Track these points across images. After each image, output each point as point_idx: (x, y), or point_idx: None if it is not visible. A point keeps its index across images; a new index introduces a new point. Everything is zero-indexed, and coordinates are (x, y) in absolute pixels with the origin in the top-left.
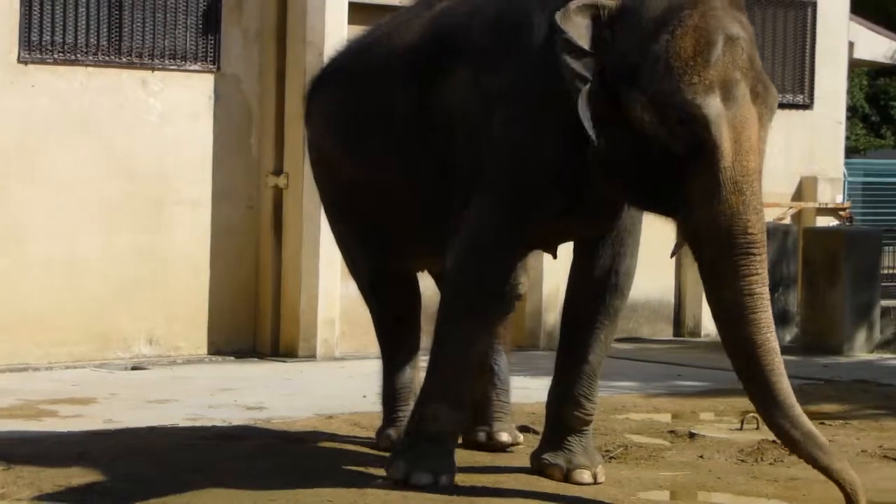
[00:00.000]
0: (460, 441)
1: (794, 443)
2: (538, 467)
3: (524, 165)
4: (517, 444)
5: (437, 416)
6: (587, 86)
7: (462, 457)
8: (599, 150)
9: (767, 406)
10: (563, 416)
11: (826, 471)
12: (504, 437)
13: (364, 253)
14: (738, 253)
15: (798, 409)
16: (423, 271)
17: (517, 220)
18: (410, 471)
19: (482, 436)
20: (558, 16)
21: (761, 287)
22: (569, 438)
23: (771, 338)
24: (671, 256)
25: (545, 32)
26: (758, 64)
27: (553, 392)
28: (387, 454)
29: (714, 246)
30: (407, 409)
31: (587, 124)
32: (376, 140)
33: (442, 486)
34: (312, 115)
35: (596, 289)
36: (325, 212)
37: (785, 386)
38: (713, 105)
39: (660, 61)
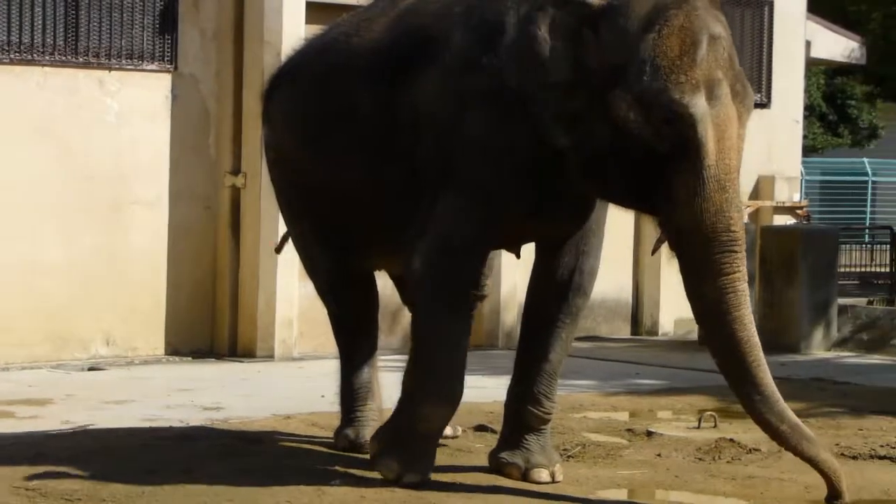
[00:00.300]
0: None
1: (781, 436)
2: (496, 466)
3: (498, 166)
4: (456, 436)
5: (431, 416)
6: (562, 83)
7: None
8: (580, 148)
9: (753, 401)
10: (522, 415)
11: (812, 461)
12: (447, 430)
13: (323, 253)
14: (721, 250)
15: (783, 403)
16: (381, 271)
17: (488, 219)
18: (403, 472)
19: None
20: (538, 13)
21: (742, 284)
22: (527, 437)
23: (754, 333)
24: (652, 254)
25: (521, 31)
26: (737, 63)
27: (512, 390)
28: (345, 454)
29: (697, 243)
30: (365, 409)
31: (550, 121)
32: (339, 139)
33: (428, 485)
34: (271, 114)
35: (559, 288)
36: (283, 212)
37: (770, 380)
38: (700, 104)
39: (646, 60)
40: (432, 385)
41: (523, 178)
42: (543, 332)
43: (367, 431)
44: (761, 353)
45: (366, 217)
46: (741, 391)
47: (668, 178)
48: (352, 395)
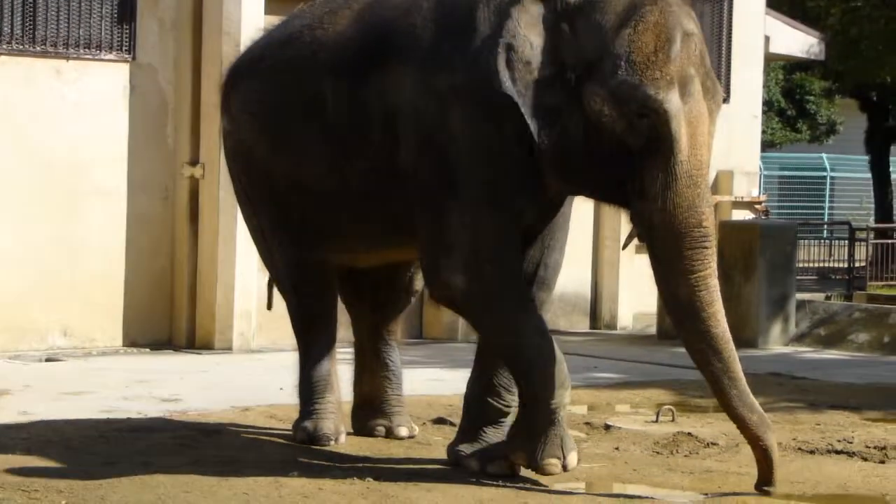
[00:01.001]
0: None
1: (750, 427)
2: (454, 459)
3: (493, 164)
4: (413, 436)
5: (560, 402)
6: (540, 79)
7: (378, 449)
8: (556, 143)
9: (730, 395)
10: (482, 407)
11: (766, 450)
12: (403, 431)
13: (282, 246)
14: (693, 246)
15: (752, 396)
16: (345, 265)
17: (504, 218)
18: (565, 457)
19: (381, 430)
20: (513, 8)
21: (714, 280)
22: (485, 430)
23: (727, 328)
24: (623, 248)
25: (497, 26)
26: (707, 60)
27: (472, 383)
28: (303, 446)
29: (668, 238)
30: (324, 401)
31: (529, 117)
32: (301, 132)
33: (386, 476)
34: (231, 105)
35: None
36: (241, 204)
37: (742, 374)
38: (674, 100)
39: (621, 56)
40: (544, 381)
41: (518, 171)
42: None
43: (326, 424)
44: (733, 347)
45: (327, 211)
46: (718, 385)
47: (640, 173)
48: (310, 387)
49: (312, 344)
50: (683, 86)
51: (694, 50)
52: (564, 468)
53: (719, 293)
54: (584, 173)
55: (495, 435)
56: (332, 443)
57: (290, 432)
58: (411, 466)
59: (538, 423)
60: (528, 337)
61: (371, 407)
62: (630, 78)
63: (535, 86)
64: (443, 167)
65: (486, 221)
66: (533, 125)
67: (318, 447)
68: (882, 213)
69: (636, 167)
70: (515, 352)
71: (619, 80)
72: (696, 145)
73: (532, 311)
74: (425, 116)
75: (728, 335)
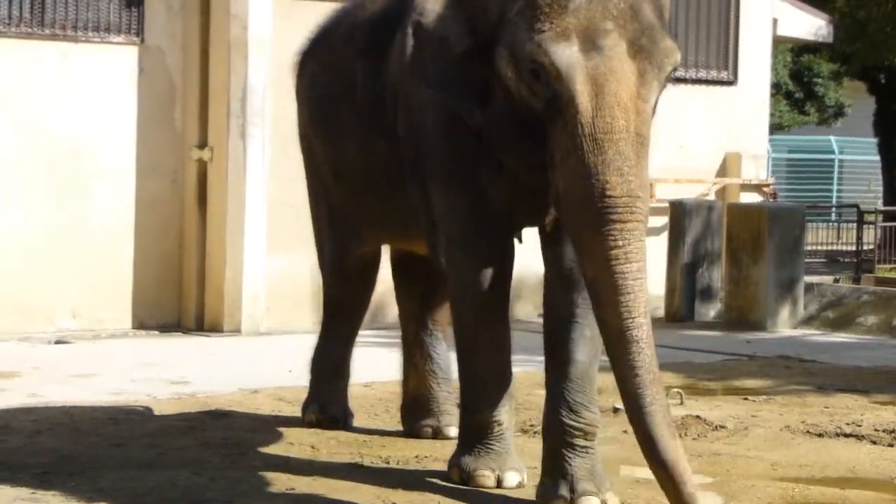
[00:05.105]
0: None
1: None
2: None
3: (452, 149)
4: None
5: (500, 418)
6: (461, 53)
7: (387, 434)
8: (488, 117)
9: (621, 392)
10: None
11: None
12: (452, 431)
13: (330, 234)
14: (599, 221)
15: (651, 407)
16: (385, 247)
17: (474, 206)
18: None
19: (428, 430)
20: None
21: (625, 264)
22: (569, 456)
23: (631, 325)
24: (547, 228)
25: (413, 7)
26: (646, 17)
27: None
28: (310, 429)
29: (571, 211)
30: (333, 385)
31: (453, 101)
32: (339, 116)
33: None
34: (296, 88)
35: (567, 279)
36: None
37: (638, 380)
38: (564, 54)
39: (517, 11)
40: (488, 391)
41: (480, 160)
42: (563, 329)
43: (335, 409)
44: (636, 347)
45: (360, 197)
46: (617, 381)
47: (548, 139)
48: (323, 371)
49: (335, 330)
50: (588, 39)
51: (612, 3)
52: (499, 482)
53: (635, 281)
54: (511, 148)
55: (582, 465)
56: (341, 426)
57: (299, 415)
58: (424, 453)
59: (472, 435)
60: (483, 348)
61: (418, 405)
62: (521, 34)
63: (455, 63)
64: (420, 149)
65: (458, 211)
66: (460, 107)
67: (324, 430)
68: (890, 195)
69: (545, 134)
70: (465, 360)
71: (513, 37)
72: (604, 106)
73: (497, 318)
74: (404, 86)
75: (630, 333)
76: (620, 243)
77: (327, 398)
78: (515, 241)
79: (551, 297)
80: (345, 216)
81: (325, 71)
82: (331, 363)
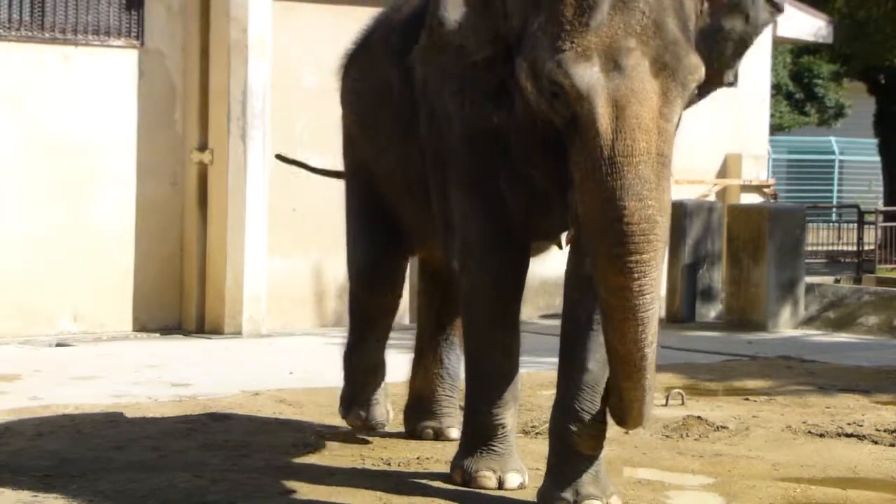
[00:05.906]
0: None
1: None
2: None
3: (473, 151)
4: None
5: (503, 420)
6: (483, 60)
7: (397, 438)
8: (511, 127)
9: (618, 397)
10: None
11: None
12: (453, 432)
13: (363, 235)
14: (615, 250)
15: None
16: (415, 256)
17: (491, 210)
18: None
19: (429, 432)
20: None
21: (637, 297)
22: (576, 464)
23: (636, 353)
24: (567, 244)
25: (431, 13)
26: (670, 32)
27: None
28: (312, 430)
29: (589, 234)
30: (377, 389)
31: (483, 103)
32: (375, 118)
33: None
34: (340, 91)
35: (587, 283)
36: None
37: (636, 405)
38: (585, 75)
39: (540, 25)
40: (494, 394)
41: (501, 169)
42: (579, 335)
43: (379, 410)
44: (640, 374)
45: (401, 203)
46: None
47: (568, 159)
48: (362, 375)
49: (369, 333)
50: (610, 59)
51: (637, 19)
52: (500, 484)
53: (644, 310)
54: (535, 158)
55: (588, 472)
56: (384, 429)
57: (300, 416)
58: (425, 455)
59: (475, 436)
60: (492, 353)
61: (421, 406)
62: (542, 51)
63: (479, 68)
64: (441, 147)
65: (475, 214)
66: (485, 108)
67: (335, 432)
68: (891, 196)
69: (566, 151)
70: (474, 362)
71: (534, 53)
72: (625, 129)
73: (508, 324)
74: (431, 91)
75: (633, 358)
76: (635, 276)
77: (370, 402)
78: (555, 247)
79: (570, 299)
80: (383, 219)
81: (365, 75)
82: (368, 366)
